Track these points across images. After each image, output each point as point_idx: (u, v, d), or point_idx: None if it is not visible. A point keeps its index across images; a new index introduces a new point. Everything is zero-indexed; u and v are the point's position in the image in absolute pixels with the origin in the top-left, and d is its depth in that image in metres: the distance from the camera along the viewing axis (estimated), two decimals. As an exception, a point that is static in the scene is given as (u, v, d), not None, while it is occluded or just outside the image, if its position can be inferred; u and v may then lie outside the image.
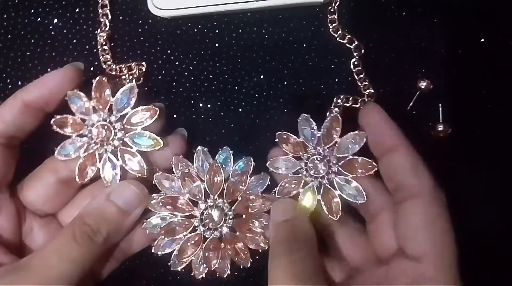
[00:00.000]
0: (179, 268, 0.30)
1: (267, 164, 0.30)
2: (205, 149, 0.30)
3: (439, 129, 0.31)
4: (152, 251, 0.30)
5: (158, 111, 0.29)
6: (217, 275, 0.30)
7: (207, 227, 0.30)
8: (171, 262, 0.30)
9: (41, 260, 0.26)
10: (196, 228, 0.30)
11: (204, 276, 0.30)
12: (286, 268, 0.26)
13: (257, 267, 0.30)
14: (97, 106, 0.29)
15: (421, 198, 0.26)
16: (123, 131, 0.29)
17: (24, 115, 0.29)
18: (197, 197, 0.30)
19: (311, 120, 0.30)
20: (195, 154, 0.30)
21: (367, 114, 0.29)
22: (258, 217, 0.30)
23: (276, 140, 0.30)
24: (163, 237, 0.30)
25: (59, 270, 0.26)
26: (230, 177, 0.30)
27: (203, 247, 0.29)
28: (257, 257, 0.31)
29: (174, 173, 0.30)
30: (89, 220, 0.27)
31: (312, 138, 0.30)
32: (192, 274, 0.30)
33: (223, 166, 0.30)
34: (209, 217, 0.29)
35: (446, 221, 0.26)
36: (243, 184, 0.30)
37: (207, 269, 0.30)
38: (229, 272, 0.30)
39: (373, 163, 0.29)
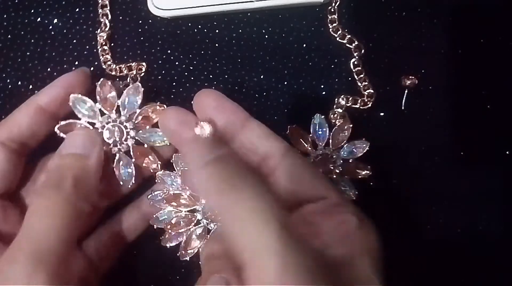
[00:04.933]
0: (186, 258, 0.31)
1: None
2: None
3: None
4: (161, 244, 0.31)
5: (165, 107, 0.30)
6: None
7: (210, 220, 0.30)
8: (179, 253, 0.31)
9: (23, 232, 0.24)
10: (200, 221, 0.31)
11: None
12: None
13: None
14: (104, 108, 0.30)
15: (284, 156, 0.26)
16: (134, 130, 0.30)
17: (39, 120, 0.29)
18: None
19: (325, 121, 0.32)
20: None
21: (202, 100, 0.27)
22: None
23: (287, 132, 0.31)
24: (170, 231, 0.31)
25: (43, 230, 0.24)
26: None
27: (208, 238, 0.30)
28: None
29: (174, 170, 0.31)
30: (50, 175, 0.27)
31: (322, 138, 0.32)
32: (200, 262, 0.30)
33: None
34: (211, 210, 0.30)
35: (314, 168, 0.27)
36: None
37: None
38: None
39: (368, 167, 0.31)
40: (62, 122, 0.29)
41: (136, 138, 0.30)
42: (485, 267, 0.32)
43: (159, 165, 0.30)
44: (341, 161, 0.31)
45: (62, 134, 0.29)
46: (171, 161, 0.31)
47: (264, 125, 0.27)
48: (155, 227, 0.31)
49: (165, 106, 0.30)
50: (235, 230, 0.21)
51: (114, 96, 0.30)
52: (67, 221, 0.25)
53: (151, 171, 0.31)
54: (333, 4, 0.34)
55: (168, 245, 0.31)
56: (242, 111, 0.27)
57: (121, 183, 0.30)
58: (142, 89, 0.30)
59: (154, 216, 0.31)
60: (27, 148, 0.30)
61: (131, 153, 0.30)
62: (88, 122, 0.30)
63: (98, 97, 0.30)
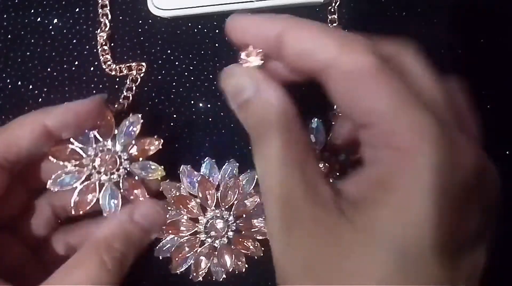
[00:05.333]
0: (200, 279, 0.31)
1: None
2: (188, 166, 0.31)
3: None
4: (172, 271, 0.31)
5: (162, 141, 0.30)
6: (236, 272, 0.31)
7: (213, 238, 0.31)
8: (191, 275, 0.31)
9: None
10: (204, 242, 0.31)
11: (224, 277, 0.31)
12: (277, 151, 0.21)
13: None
14: (100, 135, 0.29)
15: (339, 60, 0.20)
16: (128, 161, 0.29)
17: (41, 142, 0.27)
18: (196, 213, 0.31)
19: (322, 126, 0.31)
20: (181, 174, 0.31)
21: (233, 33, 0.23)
22: (257, 212, 0.31)
23: None
24: (176, 258, 0.31)
25: None
26: (220, 185, 0.31)
27: (216, 255, 0.31)
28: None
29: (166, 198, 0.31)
30: (117, 244, 0.26)
31: (320, 143, 0.31)
32: (213, 278, 0.31)
33: (210, 177, 0.31)
34: (213, 228, 0.31)
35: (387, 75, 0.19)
36: (235, 188, 0.30)
37: (225, 271, 0.31)
38: (246, 265, 0.31)
39: None
40: (53, 147, 0.28)
41: (129, 169, 0.29)
42: (485, 267, 0.32)
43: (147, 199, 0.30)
44: (339, 166, 0.31)
45: (53, 159, 0.28)
46: (160, 189, 0.31)
47: (312, 26, 0.21)
48: (160, 258, 0.31)
49: (161, 140, 0.30)
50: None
51: (112, 124, 0.29)
52: None
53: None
54: (333, 4, 0.34)
55: (178, 272, 0.31)
56: (272, 24, 0.22)
57: (104, 214, 0.29)
58: (142, 120, 0.29)
59: (158, 246, 0.31)
60: (20, 166, 0.27)
61: (120, 184, 0.29)
62: (80, 148, 0.29)
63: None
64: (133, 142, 0.30)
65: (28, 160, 0.27)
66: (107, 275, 0.25)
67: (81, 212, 0.29)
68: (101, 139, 0.29)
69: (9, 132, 0.27)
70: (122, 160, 0.29)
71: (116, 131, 0.29)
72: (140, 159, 0.30)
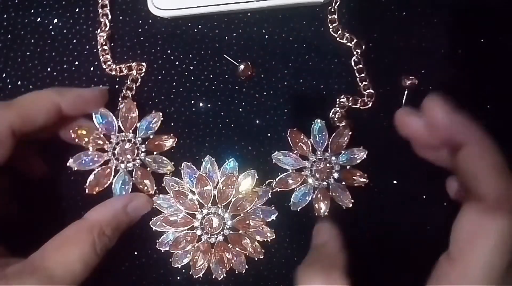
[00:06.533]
0: (200, 275, 0.31)
1: (272, 155, 0.32)
2: (188, 163, 0.32)
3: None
4: (172, 265, 0.31)
5: (176, 139, 0.32)
6: (236, 272, 0.31)
7: (210, 234, 0.31)
8: (191, 271, 0.31)
9: (64, 265, 0.26)
10: (201, 237, 0.31)
11: (225, 276, 0.31)
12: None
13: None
14: (123, 126, 0.32)
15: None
16: (145, 153, 0.32)
17: (53, 118, 0.29)
18: (193, 209, 0.31)
19: (325, 127, 0.32)
20: (182, 171, 0.32)
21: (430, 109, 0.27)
22: (254, 212, 0.31)
23: (287, 135, 0.32)
24: (177, 251, 0.31)
25: (80, 277, 0.26)
26: (219, 183, 0.31)
27: (213, 252, 0.31)
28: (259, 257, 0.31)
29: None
30: (108, 231, 0.28)
31: (321, 143, 0.32)
32: (213, 276, 0.31)
33: (210, 175, 0.31)
34: (209, 224, 0.31)
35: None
36: (230, 186, 0.31)
37: (225, 269, 0.31)
38: (246, 266, 0.31)
39: (365, 175, 0.32)
40: (77, 128, 0.31)
41: (144, 160, 0.32)
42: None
43: (154, 190, 0.32)
44: (339, 168, 0.32)
45: (76, 139, 0.31)
46: (163, 184, 0.32)
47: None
48: (162, 250, 0.31)
49: (176, 138, 0.32)
50: None
51: (136, 117, 0.32)
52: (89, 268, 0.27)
53: (146, 194, 0.32)
54: (333, 4, 0.34)
55: (179, 266, 0.31)
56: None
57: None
58: (162, 118, 0.32)
59: (159, 240, 0.31)
60: (26, 137, 0.29)
61: (133, 173, 0.32)
62: (103, 134, 0.31)
63: (120, 115, 0.32)
64: (151, 136, 0.32)
65: (37, 133, 0.30)
66: (95, 257, 0.27)
67: (94, 193, 0.31)
68: (124, 130, 0.32)
69: (26, 107, 0.29)
70: (140, 152, 0.32)
71: (138, 125, 0.32)
72: (155, 153, 0.32)
